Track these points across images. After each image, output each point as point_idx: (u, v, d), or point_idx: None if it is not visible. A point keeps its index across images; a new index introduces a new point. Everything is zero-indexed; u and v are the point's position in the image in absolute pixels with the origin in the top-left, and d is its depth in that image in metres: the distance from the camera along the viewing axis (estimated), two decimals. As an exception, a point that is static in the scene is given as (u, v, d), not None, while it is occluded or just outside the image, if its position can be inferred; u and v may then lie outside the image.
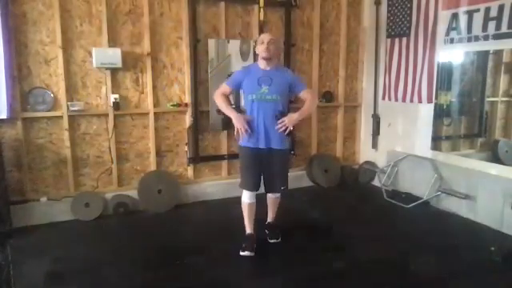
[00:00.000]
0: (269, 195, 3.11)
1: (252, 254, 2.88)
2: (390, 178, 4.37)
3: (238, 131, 2.83)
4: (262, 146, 2.86)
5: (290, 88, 2.90)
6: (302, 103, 2.94)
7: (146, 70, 3.77)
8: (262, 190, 3.05)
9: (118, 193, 3.80)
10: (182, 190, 4.02)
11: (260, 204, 3.11)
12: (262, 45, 2.81)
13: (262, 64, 2.88)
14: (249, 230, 3.04)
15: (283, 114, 2.80)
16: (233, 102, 3.09)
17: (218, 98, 2.92)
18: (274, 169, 2.94)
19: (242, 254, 2.88)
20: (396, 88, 4.31)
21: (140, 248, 3.06)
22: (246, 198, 2.98)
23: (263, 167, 2.94)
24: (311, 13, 4.44)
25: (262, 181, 3.00)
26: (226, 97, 2.95)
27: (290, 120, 2.77)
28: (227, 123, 3.96)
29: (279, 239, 3.11)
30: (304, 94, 2.93)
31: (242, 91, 3.02)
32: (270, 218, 3.23)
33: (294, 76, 3.03)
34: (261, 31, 4.04)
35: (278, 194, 3.11)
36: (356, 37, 4.73)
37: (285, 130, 2.78)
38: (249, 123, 2.81)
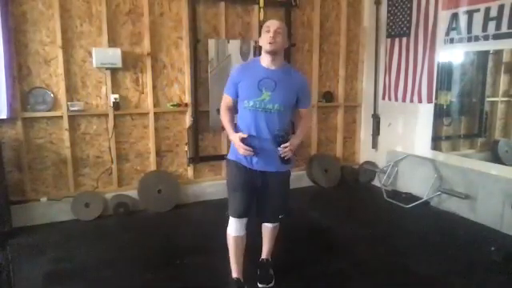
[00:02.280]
0: (264, 224, 2.53)
1: None
2: (390, 177, 4.37)
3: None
4: (255, 167, 2.28)
5: (297, 96, 2.28)
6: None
7: (145, 70, 3.77)
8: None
9: (118, 193, 3.80)
10: (182, 189, 4.02)
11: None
12: (267, 33, 2.17)
13: (265, 60, 2.23)
14: (235, 273, 2.42)
15: (286, 138, 2.16)
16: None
17: (222, 115, 2.37)
18: (270, 194, 2.35)
19: None
20: (396, 88, 4.31)
21: (140, 248, 3.06)
22: (233, 229, 2.36)
23: (256, 190, 2.33)
24: (311, 13, 4.44)
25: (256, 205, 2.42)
26: (231, 111, 2.36)
27: (293, 146, 2.20)
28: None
29: (271, 284, 2.47)
30: (304, 113, 2.38)
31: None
32: (264, 254, 2.59)
33: (305, 82, 2.36)
34: (261, 31, 4.03)
35: (276, 223, 2.51)
36: (356, 37, 4.73)
37: (285, 157, 2.19)
38: (245, 140, 2.21)
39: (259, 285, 2.49)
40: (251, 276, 2.52)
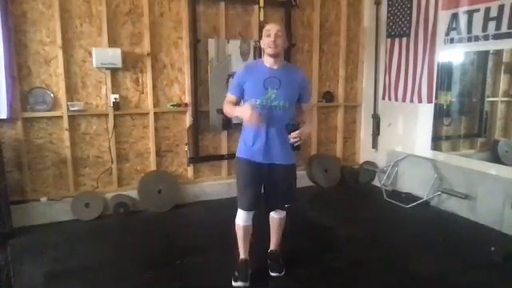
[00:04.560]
0: (271, 215, 2.64)
1: (246, 284, 2.50)
2: (390, 178, 4.37)
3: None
4: (262, 160, 2.42)
5: (300, 92, 2.44)
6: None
7: (145, 70, 3.77)
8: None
9: (118, 193, 3.80)
10: (181, 189, 4.02)
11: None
12: (267, 37, 2.32)
13: (268, 61, 2.40)
14: (243, 254, 2.63)
15: (296, 125, 2.31)
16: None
17: (225, 106, 2.50)
18: (278, 186, 2.49)
19: (234, 284, 2.50)
20: (396, 88, 4.31)
21: (140, 248, 3.06)
22: (241, 219, 2.55)
23: (264, 182, 2.51)
24: (311, 13, 4.44)
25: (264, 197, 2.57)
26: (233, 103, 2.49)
27: (303, 134, 2.33)
28: (227, 123, 3.97)
29: (282, 273, 2.61)
30: (307, 108, 2.54)
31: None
32: (272, 245, 2.73)
33: (306, 78, 2.54)
34: (261, 31, 4.03)
35: (283, 214, 2.63)
36: (356, 37, 4.73)
37: (295, 144, 2.30)
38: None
39: (271, 273, 2.63)
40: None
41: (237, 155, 2.53)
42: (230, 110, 2.46)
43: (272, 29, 2.33)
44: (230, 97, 2.49)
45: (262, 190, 2.59)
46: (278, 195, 2.53)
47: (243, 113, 2.31)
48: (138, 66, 3.75)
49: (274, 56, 2.36)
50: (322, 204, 4.18)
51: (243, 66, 2.57)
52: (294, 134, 2.26)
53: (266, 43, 2.33)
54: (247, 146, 2.45)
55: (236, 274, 2.53)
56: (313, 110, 2.53)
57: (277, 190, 2.51)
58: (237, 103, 2.49)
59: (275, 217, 2.64)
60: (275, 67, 2.39)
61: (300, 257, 2.88)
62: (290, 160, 2.48)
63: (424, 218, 3.70)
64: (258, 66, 2.45)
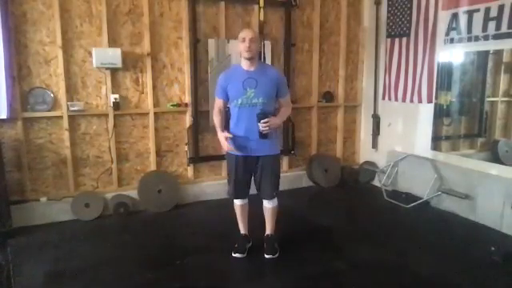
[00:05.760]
0: (264, 205, 2.91)
1: (243, 255, 2.86)
2: (390, 178, 4.37)
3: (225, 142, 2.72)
4: (250, 153, 2.74)
5: (277, 88, 2.72)
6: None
7: (145, 70, 3.77)
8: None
9: (118, 193, 3.80)
10: (181, 189, 4.02)
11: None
12: (243, 43, 2.60)
13: (245, 64, 2.69)
14: (242, 230, 3.01)
15: (266, 115, 2.59)
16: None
17: (214, 116, 2.83)
18: (265, 174, 2.78)
19: (233, 255, 2.86)
20: (396, 88, 4.31)
21: (140, 248, 3.06)
22: (237, 200, 2.94)
23: (253, 173, 2.82)
24: (311, 13, 4.44)
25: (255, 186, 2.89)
26: (221, 114, 2.80)
27: (272, 123, 2.61)
28: (227, 123, 3.97)
29: (276, 255, 2.84)
30: (284, 102, 2.81)
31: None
32: (268, 230, 2.97)
33: (280, 75, 2.83)
34: (261, 31, 4.04)
35: (275, 204, 2.89)
36: (356, 37, 4.73)
37: (263, 131, 2.60)
38: (232, 139, 2.69)
39: (266, 256, 2.84)
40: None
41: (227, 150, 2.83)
42: (217, 126, 2.80)
43: (247, 35, 2.59)
44: (218, 101, 2.80)
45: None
46: (266, 183, 2.80)
47: (221, 142, 2.73)
48: (138, 66, 3.75)
49: (250, 59, 2.64)
50: (321, 204, 4.18)
51: (223, 73, 2.83)
52: (263, 122, 2.56)
53: (242, 49, 2.61)
54: (234, 142, 2.72)
55: (236, 246, 2.90)
56: (290, 103, 2.86)
57: (265, 178, 2.79)
58: (225, 106, 2.80)
59: (268, 206, 2.90)
60: (252, 69, 2.67)
61: (300, 257, 2.89)
62: (275, 150, 2.80)
63: (424, 218, 3.70)
64: (236, 70, 2.74)
